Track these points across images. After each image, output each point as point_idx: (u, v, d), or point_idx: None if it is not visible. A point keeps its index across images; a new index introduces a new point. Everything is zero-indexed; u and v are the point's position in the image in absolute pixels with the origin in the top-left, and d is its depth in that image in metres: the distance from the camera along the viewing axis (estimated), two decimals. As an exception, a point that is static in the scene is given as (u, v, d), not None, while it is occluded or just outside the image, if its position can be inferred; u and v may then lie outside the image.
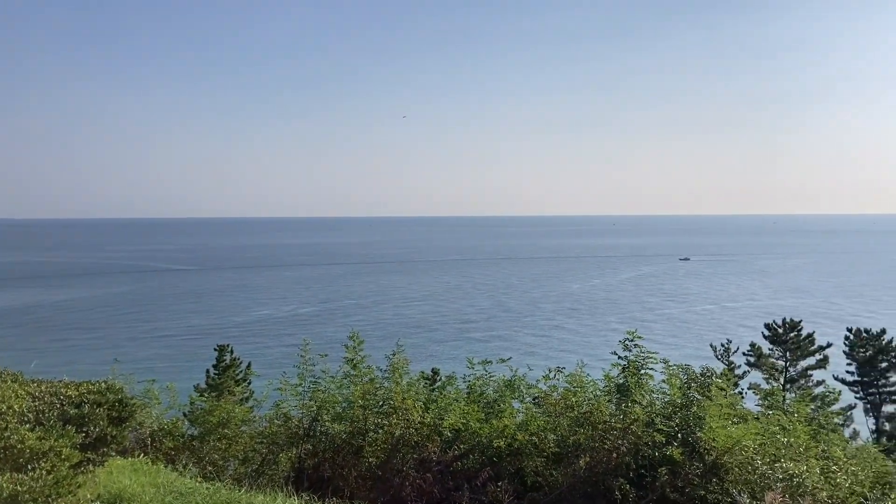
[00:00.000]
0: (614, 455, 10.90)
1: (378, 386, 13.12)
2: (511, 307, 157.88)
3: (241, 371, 41.82)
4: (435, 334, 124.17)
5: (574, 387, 12.66)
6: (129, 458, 11.13)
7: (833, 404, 34.95)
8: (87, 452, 8.50)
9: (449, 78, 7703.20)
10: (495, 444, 11.56)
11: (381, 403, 12.82)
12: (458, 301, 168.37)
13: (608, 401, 12.39)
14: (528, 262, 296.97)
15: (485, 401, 13.12)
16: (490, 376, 13.66)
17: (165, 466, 11.18)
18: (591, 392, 12.67)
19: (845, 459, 12.04)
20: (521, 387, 13.40)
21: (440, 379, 15.82)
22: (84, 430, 8.47)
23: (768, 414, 13.30)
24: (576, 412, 12.06)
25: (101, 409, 8.93)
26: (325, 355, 13.73)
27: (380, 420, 12.35)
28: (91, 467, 8.62)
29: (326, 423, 12.73)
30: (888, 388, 45.62)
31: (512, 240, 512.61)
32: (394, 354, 13.62)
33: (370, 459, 11.93)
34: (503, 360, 14.05)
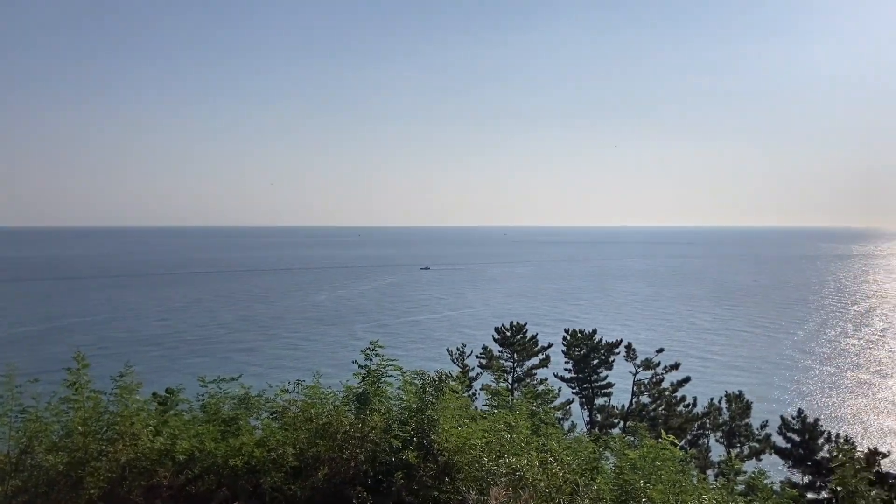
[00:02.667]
0: (352, 464, 11.01)
1: (103, 410, 12.04)
2: (256, 320, 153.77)
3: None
4: (173, 352, 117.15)
5: (313, 399, 12.58)
6: None
7: (553, 400, 38.22)
8: None
9: (193, 83, 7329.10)
10: (231, 464, 11.14)
11: (105, 429, 11.78)
12: (199, 315, 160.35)
13: (348, 410, 12.45)
14: (274, 273, 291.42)
15: (220, 419, 12.58)
16: (226, 394, 13.15)
17: None
18: (332, 403, 12.66)
19: (561, 450, 13.20)
20: (258, 402, 13.05)
21: (174, 400, 14.91)
22: None
23: (495, 413, 14.16)
24: (315, 424, 11.99)
25: None
26: (37, 380, 12.32)
27: (104, 447, 11.33)
28: None
29: (39, 455, 11.40)
30: (599, 383, 51.04)
31: (258, 251, 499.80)
32: (121, 375, 12.59)
33: (92, 491, 10.89)
34: (234, 378, 13.56)
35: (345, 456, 11.11)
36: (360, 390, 12.86)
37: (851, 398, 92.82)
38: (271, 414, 12.83)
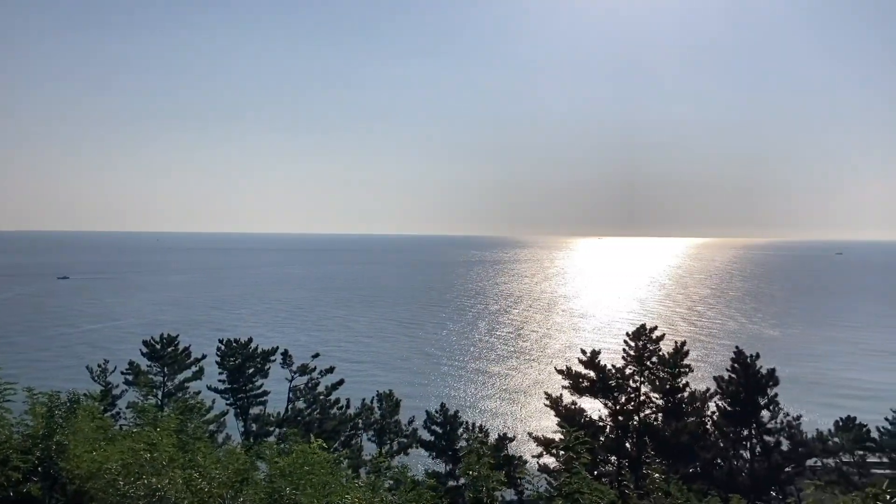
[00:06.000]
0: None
1: None
2: None
3: None
4: None
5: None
6: None
7: (206, 413, 36.95)
8: None
9: None
10: None
11: None
12: None
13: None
14: None
15: None
16: None
17: None
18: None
19: (209, 465, 12.82)
20: None
21: None
22: None
23: (138, 432, 13.34)
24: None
25: None
26: None
27: None
28: None
29: None
30: (254, 392, 50.45)
31: None
32: None
33: None
34: None
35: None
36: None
37: (488, 389, 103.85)
38: None
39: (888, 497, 14.12)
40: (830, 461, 45.57)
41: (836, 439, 45.66)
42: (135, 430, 13.37)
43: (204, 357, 51.37)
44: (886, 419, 47.20)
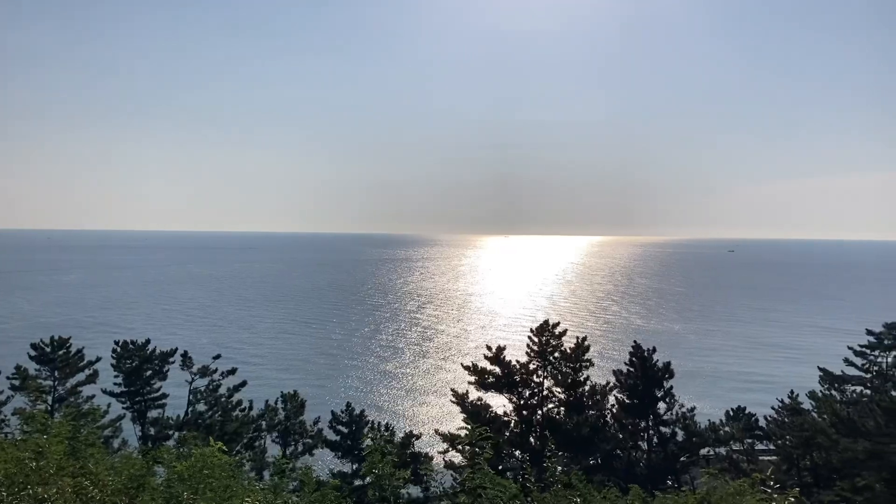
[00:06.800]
0: None
1: None
2: None
3: None
4: None
5: None
6: None
7: (101, 418, 35.42)
8: None
9: None
10: None
11: None
12: None
13: None
14: None
15: None
16: None
17: None
18: None
19: (102, 472, 12.33)
20: None
21: None
22: None
23: (24, 439, 12.71)
24: None
25: None
26: None
27: None
28: None
29: None
30: (153, 395, 48.67)
31: None
32: None
33: None
34: None
35: None
36: None
37: (395, 388, 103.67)
38: None
39: (772, 482, 15.03)
40: (722, 450, 47.94)
41: (727, 429, 48.06)
42: (21, 438, 12.70)
43: (99, 360, 49.18)
44: (773, 408, 50.06)
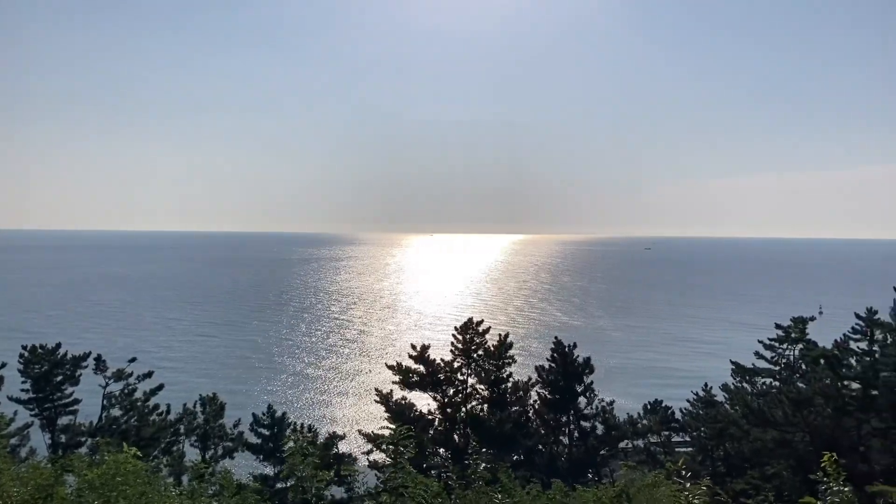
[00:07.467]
0: None
1: None
2: None
3: None
4: None
5: None
6: None
7: (7, 427, 33.80)
8: None
9: None
10: None
11: None
12: None
13: None
14: None
15: None
16: None
17: None
18: None
19: (7, 482, 11.84)
20: None
21: None
22: None
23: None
24: None
25: None
26: None
27: None
28: None
29: None
30: (64, 401, 46.72)
31: None
32: None
33: None
34: None
35: None
36: None
37: (319, 390, 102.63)
38: None
39: (683, 471, 15.59)
40: (640, 442, 49.40)
41: (644, 422, 49.53)
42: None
43: (4, 365, 46.82)
44: (688, 401, 51.83)
